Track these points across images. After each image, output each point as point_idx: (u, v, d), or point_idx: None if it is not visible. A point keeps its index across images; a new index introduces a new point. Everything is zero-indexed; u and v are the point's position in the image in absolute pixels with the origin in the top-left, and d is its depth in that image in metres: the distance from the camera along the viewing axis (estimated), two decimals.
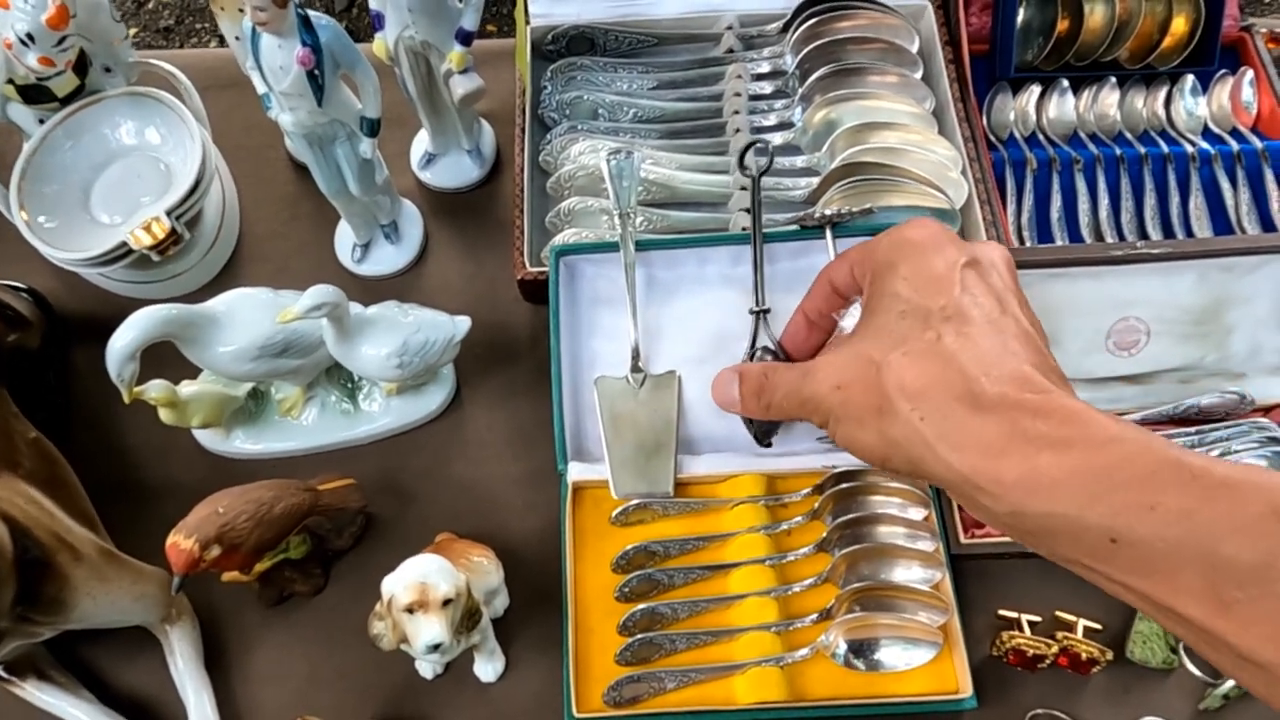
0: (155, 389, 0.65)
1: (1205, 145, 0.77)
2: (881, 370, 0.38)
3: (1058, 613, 0.64)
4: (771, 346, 0.63)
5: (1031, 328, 0.39)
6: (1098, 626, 0.63)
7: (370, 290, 0.79)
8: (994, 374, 0.35)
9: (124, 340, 0.60)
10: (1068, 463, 0.32)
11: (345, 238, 0.79)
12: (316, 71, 0.58)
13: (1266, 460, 0.63)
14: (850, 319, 0.49)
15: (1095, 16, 0.78)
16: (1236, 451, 0.65)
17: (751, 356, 0.64)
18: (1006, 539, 0.63)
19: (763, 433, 0.66)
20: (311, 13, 0.58)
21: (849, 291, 0.47)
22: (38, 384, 0.72)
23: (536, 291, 0.73)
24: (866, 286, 0.43)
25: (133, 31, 2.25)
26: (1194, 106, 0.78)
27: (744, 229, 0.74)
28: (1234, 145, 0.76)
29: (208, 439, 0.72)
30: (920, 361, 0.37)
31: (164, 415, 0.66)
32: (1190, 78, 0.79)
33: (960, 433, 0.35)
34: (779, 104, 0.80)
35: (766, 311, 0.64)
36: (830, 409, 0.41)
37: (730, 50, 0.82)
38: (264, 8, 0.54)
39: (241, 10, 0.65)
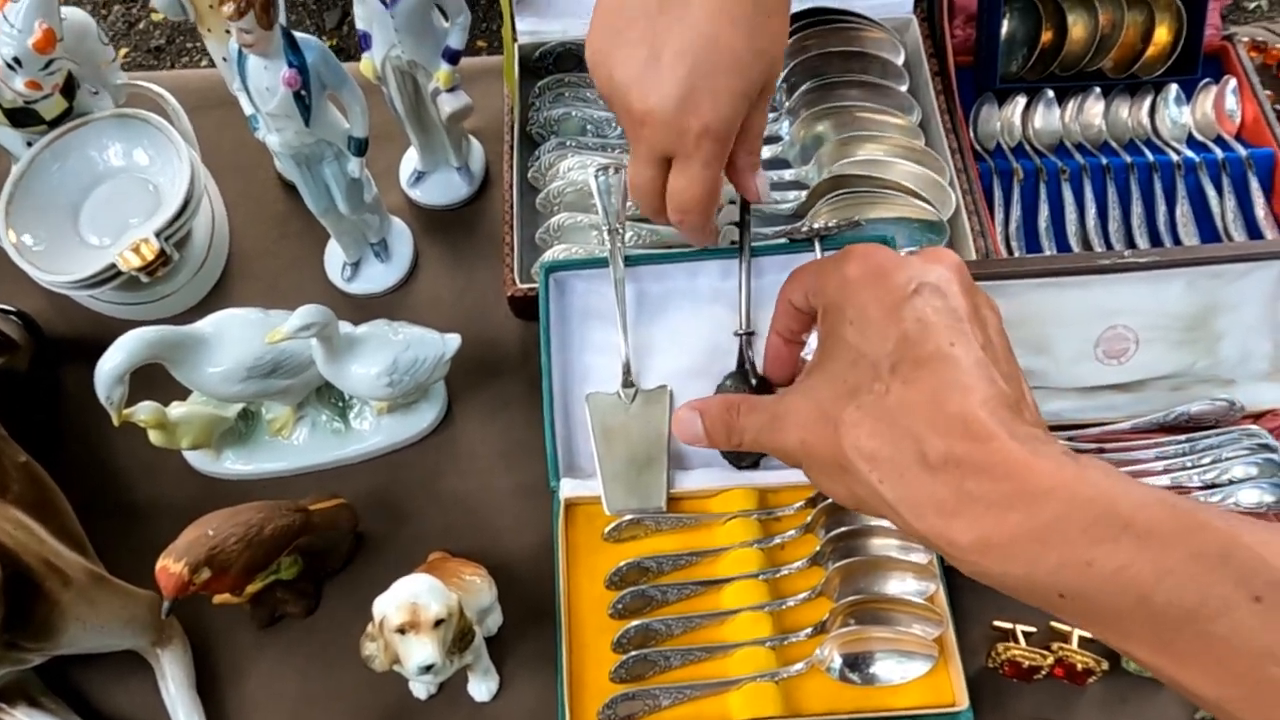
0: (144, 411, 0.64)
1: (1190, 153, 0.77)
2: (838, 429, 0.37)
3: (1052, 623, 0.64)
4: (756, 369, 0.63)
5: (989, 343, 0.37)
6: (1092, 636, 0.63)
7: (361, 308, 0.79)
8: (941, 426, 0.34)
9: (112, 363, 0.60)
10: (1009, 525, 0.32)
11: (335, 256, 0.79)
12: (303, 92, 0.59)
13: (1257, 466, 0.64)
14: (815, 340, 0.47)
15: (1078, 27, 0.79)
16: (1227, 459, 0.65)
17: (729, 380, 0.64)
18: None
19: (736, 457, 0.66)
20: (298, 34, 0.58)
21: (809, 310, 0.45)
22: (27, 407, 0.72)
23: (527, 307, 0.73)
24: (819, 322, 0.42)
25: (123, 52, 2.26)
26: (1178, 115, 0.79)
27: (732, 242, 0.74)
28: (1219, 153, 0.77)
29: (198, 460, 0.72)
30: (872, 421, 0.36)
31: (154, 437, 0.66)
32: (1174, 87, 0.79)
33: (916, 495, 0.35)
34: (768, 117, 0.80)
35: (751, 334, 0.64)
36: (798, 460, 0.41)
37: None
38: (250, 30, 0.54)
39: (228, 32, 0.65)
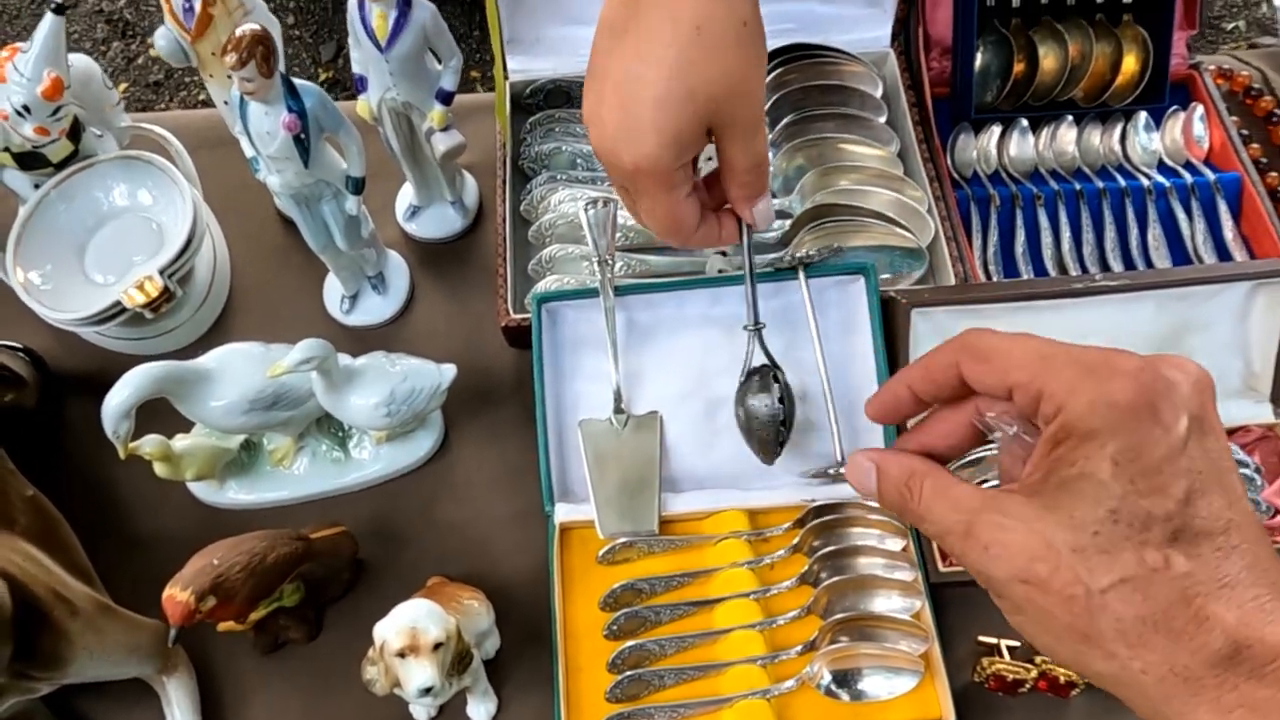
0: (150, 444, 0.66)
1: (1160, 178, 0.80)
2: (1091, 597, 0.31)
3: None
4: (769, 365, 0.65)
5: (1247, 514, 0.32)
6: None
7: (359, 340, 0.81)
8: (1231, 620, 0.29)
9: (119, 398, 0.62)
10: None
11: (334, 289, 0.81)
12: (302, 136, 0.61)
13: None
14: (1017, 444, 0.37)
15: (1049, 59, 0.81)
16: None
17: (748, 377, 0.65)
18: None
19: (768, 452, 0.66)
20: (296, 80, 0.61)
21: (996, 399, 0.37)
22: (34, 441, 0.73)
23: (520, 337, 0.75)
24: (1045, 438, 0.33)
25: (123, 87, 2.29)
26: (1148, 142, 0.82)
27: (720, 270, 0.76)
28: (1188, 178, 0.80)
29: (202, 491, 0.74)
30: (1145, 598, 0.30)
31: (159, 469, 0.68)
32: (1143, 114, 0.82)
33: (1192, 699, 0.30)
34: None
35: (762, 327, 0.65)
36: (1008, 597, 0.33)
37: None
38: (251, 78, 0.57)
39: (230, 77, 0.68)
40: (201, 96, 2.24)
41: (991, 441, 0.38)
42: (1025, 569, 0.32)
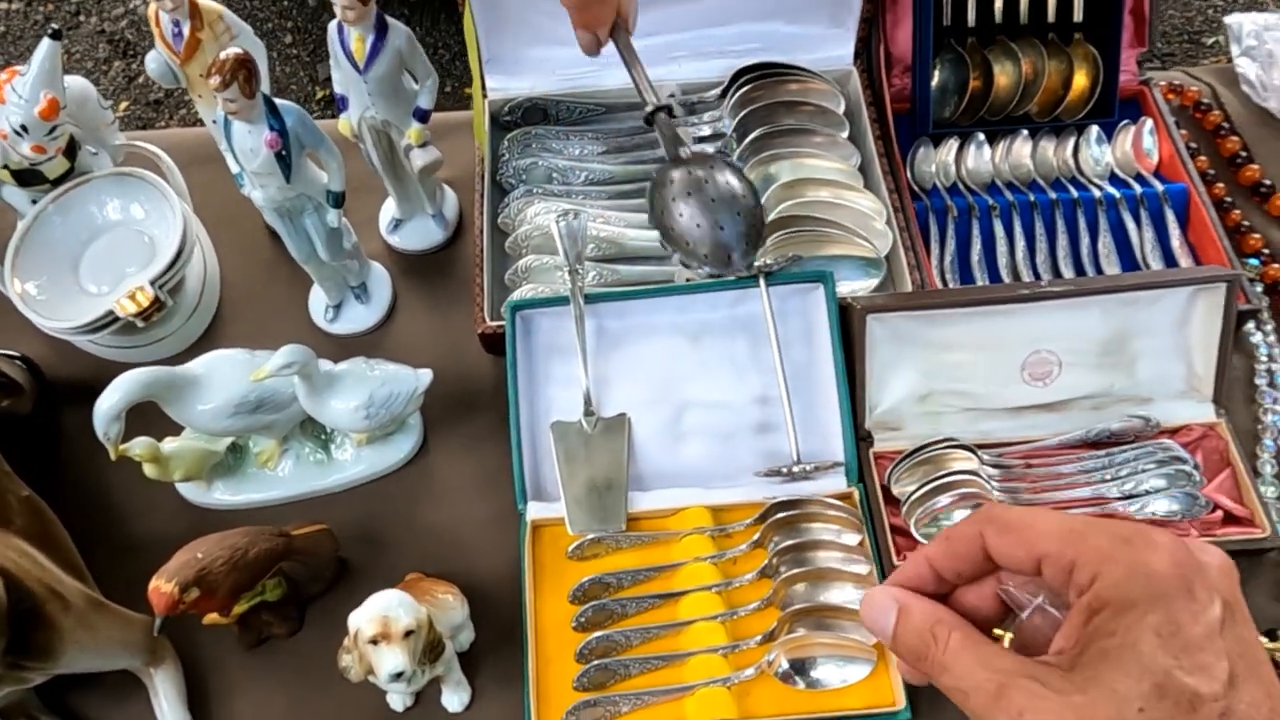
0: (139, 446, 0.69)
1: (1111, 189, 0.83)
2: None
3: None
4: (681, 154, 0.67)
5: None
6: None
7: (343, 347, 0.84)
8: None
9: (109, 401, 0.65)
10: None
11: (318, 299, 0.85)
12: (284, 152, 0.64)
13: (1167, 478, 0.69)
14: (1039, 615, 0.36)
15: (1004, 75, 0.85)
16: (1142, 471, 0.70)
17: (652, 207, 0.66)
18: None
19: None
20: (277, 100, 0.64)
21: (1021, 574, 0.36)
22: (29, 445, 0.77)
23: (497, 344, 0.78)
24: (1080, 607, 0.32)
25: (124, 105, 2.34)
26: (1100, 154, 0.85)
27: (687, 280, 0.80)
28: (1137, 189, 0.83)
29: (190, 492, 0.77)
30: None
31: (148, 470, 0.71)
32: (1095, 128, 0.85)
33: None
34: None
35: (667, 109, 0.69)
36: None
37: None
38: (234, 99, 0.60)
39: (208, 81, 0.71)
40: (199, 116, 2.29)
41: (1014, 616, 0.37)
42: None
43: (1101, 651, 0.30)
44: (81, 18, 2.55)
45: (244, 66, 0.60)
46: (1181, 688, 0.29)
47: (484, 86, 0.89)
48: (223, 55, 0.59)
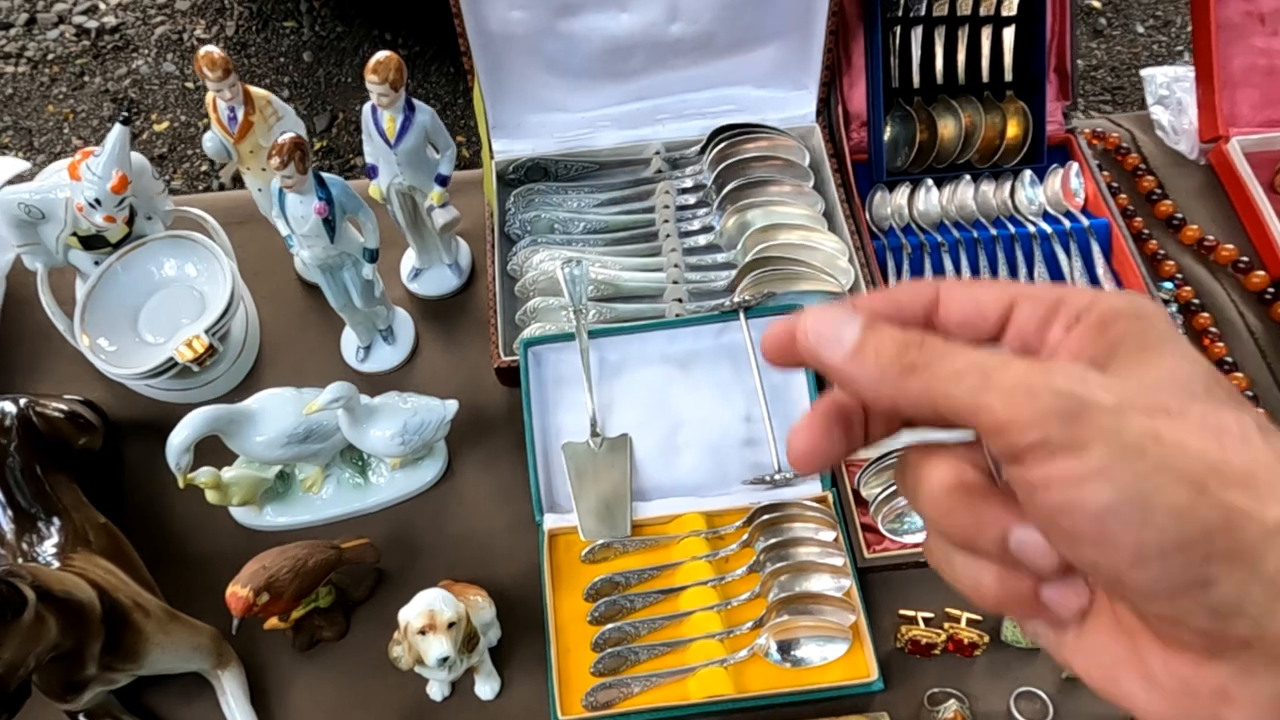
0: (204, 475, 0.79)
1: (1044, 226, 0.95)
2: (1247, 432, 0.23)
3: (946, 609, 0.79)
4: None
5: None
6: (978, 617, 0.78)
7: (373, 384, 0.94)
8: None
9: (180, 436, 0.75)
10: None
11: (349, 341, 0.95)
12: (330, 218, 0.75)
13: None
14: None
15: (947, 129, 0.97)
16: None
17: None
18: (904, 552, 0.79)
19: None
20: (324, 174, 0.75)
21: (974, 333, 0.29)
22: (101, 478, 0.86)
23: (510, 376, 0.89)
24: (1090, 324, 0.26)
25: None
26: (1033, 195, 0.97)
27: (677, 315, 0.91)
28: (1066, 224, 0.95)
29: (242, 515, 0.86)
30: None
31: (210, 496, 0.81)
32: (1028, 172, 0.98)
33: None
34: (701, 212, 0.98)
35: None
36: (1087, 486, 0.23)
37: (659, 171, 1.01)
38: (290, 176, 0.71)
39: (264, 170, 0.82)
40: (204, 167, 2.40)
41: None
42: (1150, 400, 0.24)
43: (1140, 345, 0.26)
44: (86, 78, 2.66)
45: (299, 149, 0.71)
46: (1231, 390, 0.25)
47: (491, 149, 1.01)
48: (281, 140, 0.70)
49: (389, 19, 2.65)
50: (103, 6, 2.87)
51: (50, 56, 2.73)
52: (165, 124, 2.53)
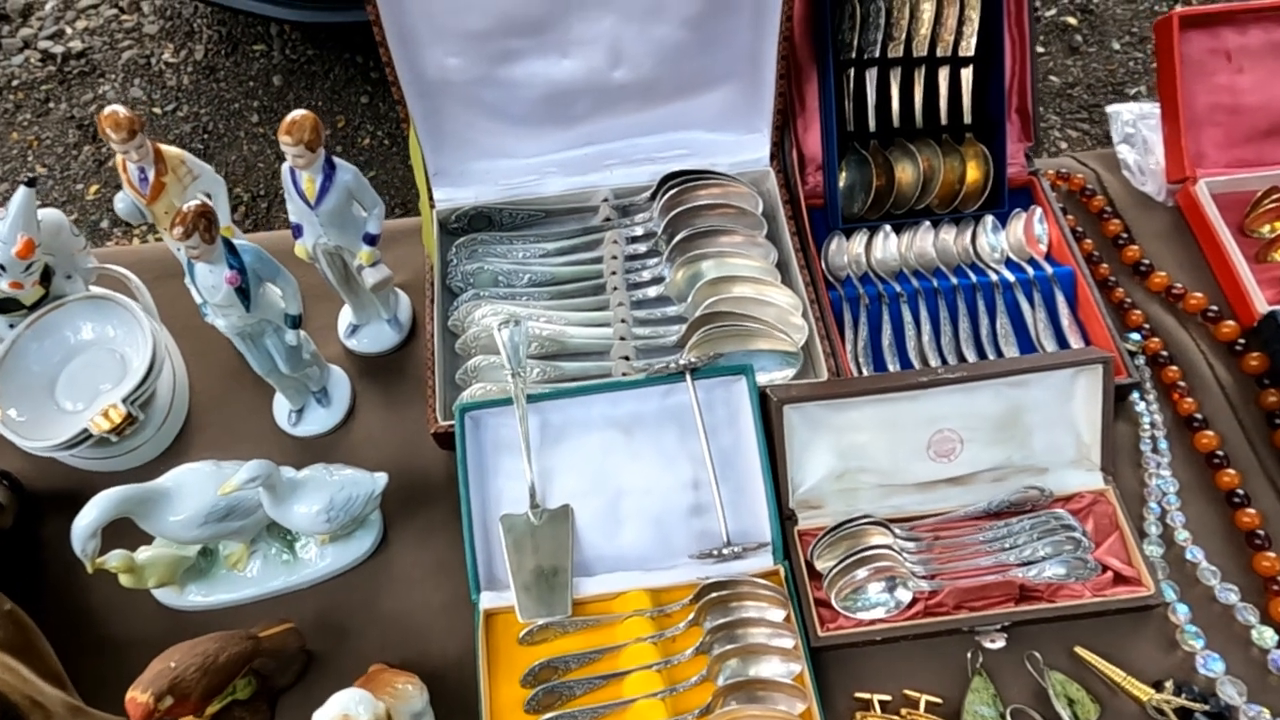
0: (115, 559, 0.75)
1: (1006, 274, 0.91)
2: None
3: (905, 690, 0.75)
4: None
5: None
6: (938, 700, 0.74)
7: (306, 448, 0.90)
8: None
9: (85, 520, 0.70)
10: None
11: (282, 404, 0.91)
12: (243, 287, 0.71)
13: (1054, 545, 0.76)
14: None
15: (905, 173, 0.93)
16: (1037, 539, 0.77)
17: None
18: (859, 630, 0.75)
19: None
20: (236, 240, 0.71)
21: None
22: (10, 559, 0.81)
23: (449, 441, 0.84)
24: None
25: (94, 188, 2.40)
26: (995, 241, 0.93)
27: (624, 374, 0.86)
28: (1030, 272, 0.91)
29: (164, 595, 0.82)
30: None
31: (124, 580, 0.76)
32: (990, 218, 0.94)
33: None
34: (652, 262, 0.94)
35: None
36: None
37: (607, 219, 0.96)
38: (196, 246, 0.67)
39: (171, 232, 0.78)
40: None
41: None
42: None
43: None
44: (51, 104, 2.61)
45: (203, 217, 0.67)
46: None
47: (432, 198, 0.96)
48: (184, 208, 0.66)
49: (359, 43, 2.61)
50: (69, 31, 2.82)
51: (15, 82, 2.69)
52: (124, 218, 2.48)
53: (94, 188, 2.41)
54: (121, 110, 0.72)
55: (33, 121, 2.60)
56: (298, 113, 0.71)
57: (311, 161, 0.73)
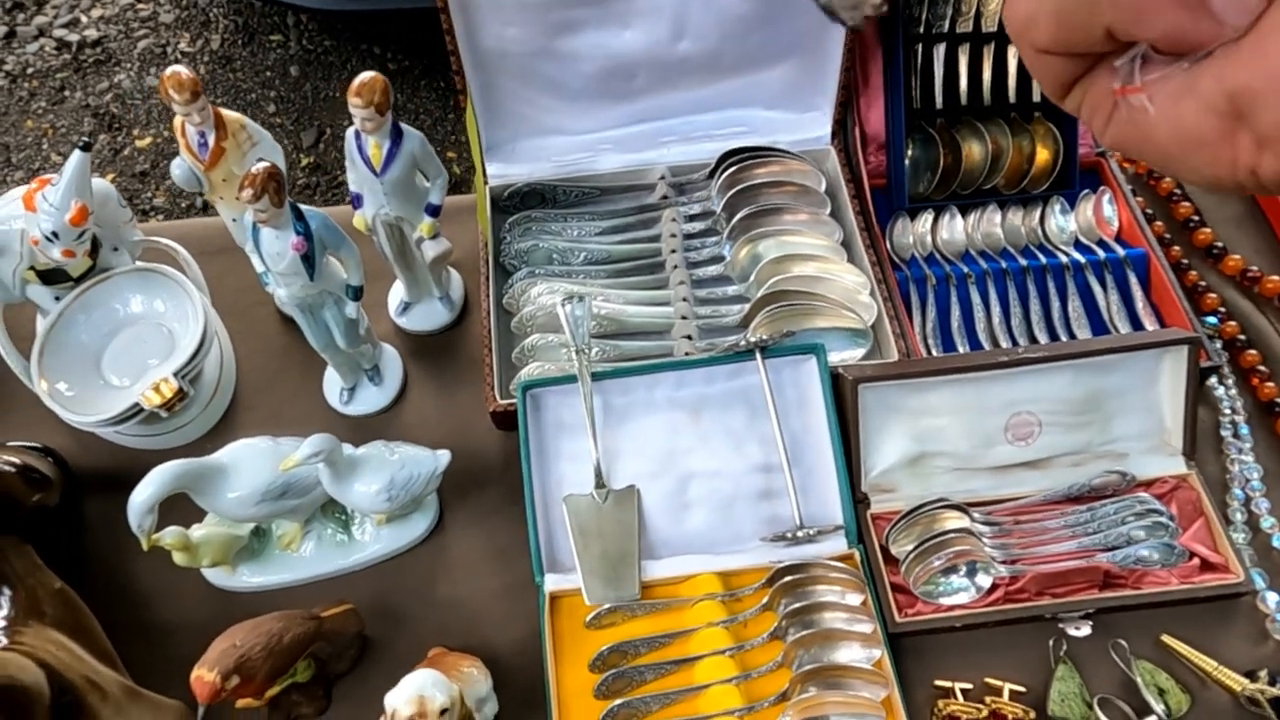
0: (170, 535, 0.72)
1: (1077, 255, 0.89)
2: None
3: (986, 679, 0.72)
4: None
5: None
6: (1022, 689, 0.72)
7: (357, 428, 0.87)
8: None
9: (143, 495, 0.68)
10: None
11: (333, 382, 0.88)
12: (309, 254, 0.69)
13: (1145, 529, 0.73)
14: None
15: (973, 152, 0.91)
16: (1125, 523, 0.74)
17: None
18: (939, 615, 0.72)
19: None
20: (303, 206, 0.68)
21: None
22: (58, 537, 0.79)
23: (507, 420, 0.82)
24: None
25: (110, 177, 2.37)
26: (1065, 223, 0.91)
27: (686, 354, 0.84)
28: (1101, 254, 0.89)
29: (215, 576, 0.79)
30: None
31: (178, 558, 0.74)
32: (1059, 199, 0.92)
33: None
34: (710, 240, 0.92)
35: None
36: None
37: (665, 197, 0.94)
38: (264, 209, 0.65)
39: (238, 198, 0.75)
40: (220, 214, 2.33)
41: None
42: None
43: None
44: (66, 93, 2.59)
45: (274, 179, 0.64)
46: None
47: (485, 173, 0.94)
48: (254, 169, 0.64)
49: (377, 33, 2.59)
50: (84, 20, 2.80)
51: (30, 70, 2.66)
52: (148, 140, 2.46)
53: (110, 176, 2.38)
54: (184, 70, 0.70)
55: (48, 110, 2.57)
56: (367, 74, 0.69)
57: (380, 125, 0.70)
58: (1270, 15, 0.24)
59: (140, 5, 2.79)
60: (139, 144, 2.46)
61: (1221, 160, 0.26)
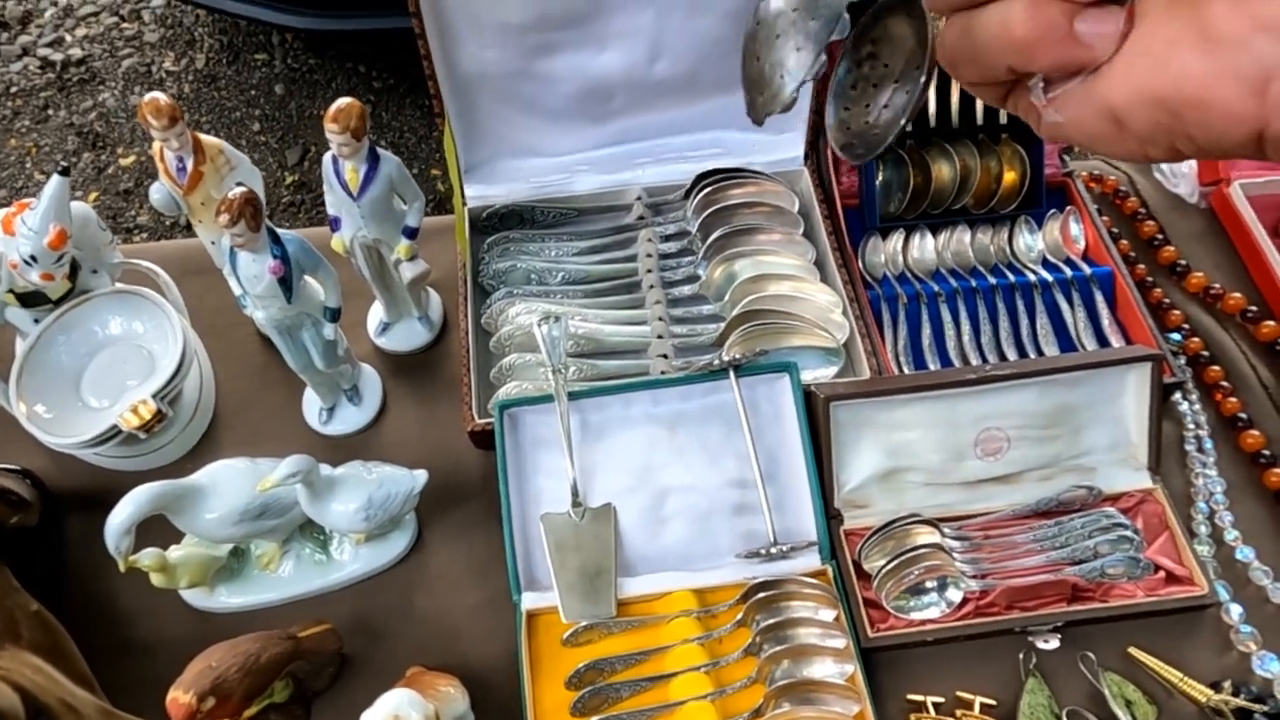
0: (148, 557, 0.72)
1: (1044, 274, 0.91)
2: None
3: (958, 692, 0.73)
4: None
5: None
6: (993, 702, 0.73)
7: (336, 448, 0.88)
8: None
9: (120, 517, 0.68)
10: None
11: (312, 402, 0.89)
12: (285, 278, 0.69)
13: (1111, 543, 0.75)
14: None
15: (942, 173, 0.93)
16: (1091, 537, 0.76)
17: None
18: (911, 630, 0.73)
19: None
20: (280, 230, 0.69)
21: None
22: (35, 559, 0.79)
23: (485, 439, 0.83)
24: None
25: (94, 196, 2.37)
26: (1032, 242, 0.93)
27: (662, 372, 0.85)
28: (1068, 272, 0.91)
29: (193, 597, 0.79)
30: None
31: (155, 580, 0.74)
32: (1027, 218, 0.94)
33: None
34: (685, 260, 0.93)
35: None
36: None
37: (641, 217, 0.95)
38: (241, 234, 0.65)
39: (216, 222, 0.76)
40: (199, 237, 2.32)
41: None
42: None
43: None
44: (50, 111, 2.59)
45: (250, 204, 0.65)
46: None
47: (464, 194, 0.95)
48: (230, 195, 0.65)
49: (362, 53, 2.60)
50: (69, 39, 2.80)
51: (13, 89, 2.66)
52: (132, 158, 2.46)
53: (93, 195, 2.38)
54: (162, 97, 0.71)
55: (31, 128, 2.57)
56: (344, 100, 0.70)
57: (356, 150, 0.71)
58: (1131, 40, 0.29)
59: (125, 24, 2.80)
60: (123, 162, 2.46)
61: (1124, 150, 0.31)
